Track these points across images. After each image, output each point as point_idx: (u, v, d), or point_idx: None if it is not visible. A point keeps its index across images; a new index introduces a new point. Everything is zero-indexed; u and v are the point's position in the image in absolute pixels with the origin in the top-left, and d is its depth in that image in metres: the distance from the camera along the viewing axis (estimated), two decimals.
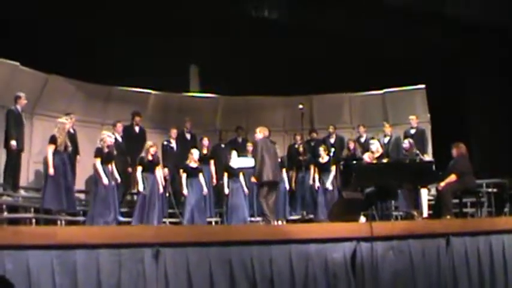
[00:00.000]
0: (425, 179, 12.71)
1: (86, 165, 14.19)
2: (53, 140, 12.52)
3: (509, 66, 16.27)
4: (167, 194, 14.47)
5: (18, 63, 14.37)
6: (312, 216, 15.54)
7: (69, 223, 13.00)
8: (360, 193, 12.52)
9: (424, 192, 12.82)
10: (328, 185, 15.45)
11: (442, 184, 12.27)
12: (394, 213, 14.50)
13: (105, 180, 12.95)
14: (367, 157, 14.06)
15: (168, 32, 16.10)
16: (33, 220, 12.47)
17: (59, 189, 12.35)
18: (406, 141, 14.65)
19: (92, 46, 15.47)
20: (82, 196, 14.76)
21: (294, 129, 16.91)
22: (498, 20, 15.67)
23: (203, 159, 15.27)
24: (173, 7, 15.38)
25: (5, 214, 12.11)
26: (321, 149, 15.79)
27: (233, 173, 15.17)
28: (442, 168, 12.69)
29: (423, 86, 17.48)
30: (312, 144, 16.86)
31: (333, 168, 15.54)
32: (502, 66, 16.55)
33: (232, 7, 15.79)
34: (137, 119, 15.78)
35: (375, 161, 13.72)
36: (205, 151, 15.62)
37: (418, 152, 14.16)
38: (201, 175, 14.83)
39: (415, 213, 13.08)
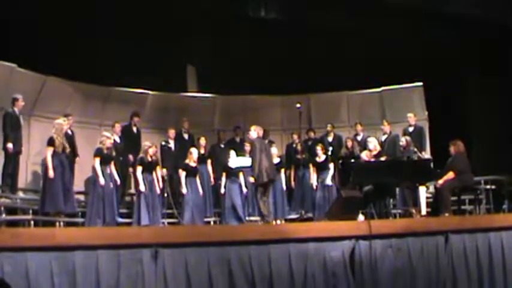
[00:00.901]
0: (423, 176, 12.73)
1: (85, 166, 14.19)
2: (51, 142, 12.52)
3: (507, 63, 16.28)
4: (165, 195, 14.47)
5: (15, 65, 14.35)
6: (310, 215, 15.54)
7: (68, 224, 12.99)
8: (358, 191, 12.51)
9: (422, 190, 12.79)
10: (328, 181, 15.44)
11: (440, 182, 12.28)
12: (393, 211, 14.50)
13: (102, 180, 12.99)
14: (364, 155, 14.07)
15: (165, 33, 16.11)
16: (32, 222, 12.48)
17: (57, 191, 12.35)
18: (403, 138, 14.64)
19: (90, 47, 15.47)
20: (81, 197, 14.74)
21: (291, 129, 16.95)
22: (498, 18, 15.67)
23: (201, 159, 15.25)
24: (171, 8, 15.37)
25: (4, 216, 12.10)
26: (318, 148, 15.79)
27: (232, 173, 15.17)
28: (440, 166, 12.70)
29: (421, 83, 17.46)
30: (310, 143, 16.85)
31: (331, 165, 15.53)
32: (500, 64, 16.54)
33: (230, 7, 15.78)
34: (136, 119, 15.78)
35: (372, 159, 13.73)
36: (202, 151, 15.60)
37: (415, 149, 14.16)
38: (198, 175, 14.84)
39: (413, 211, 13.12)
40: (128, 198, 15.37)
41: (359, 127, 16.77)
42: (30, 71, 14.87)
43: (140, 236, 8.22)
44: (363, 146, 15.14)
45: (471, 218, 12.59)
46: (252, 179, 13.89)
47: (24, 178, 14.47)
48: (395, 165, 13.28)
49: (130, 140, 15.29)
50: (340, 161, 14.92)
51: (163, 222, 14.10)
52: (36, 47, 14.62)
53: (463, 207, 13.91)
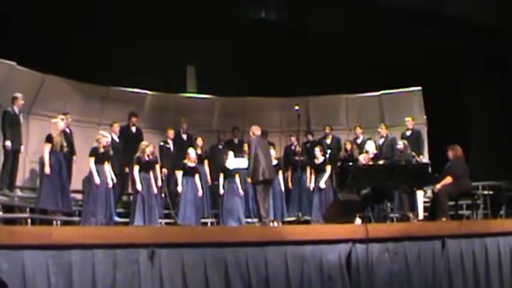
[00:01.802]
0: (421, 181, 12.75)
1: (83, 165, 14.17)
2: (49, 139, 12.52)
3: (508, 67, 16.28)
4: (163, 195, 14.46)
5: (15, 63, 14.36)
6: (307, 217, 15.55)
7: (65, 223, 12.99)
8: (355, 194, 12.53)
9: (420, 194, 12.83)
10: (322, 184, 15.44)
11: (438, 186, 12.27)
12: (390, 215, 14.51)
13: (97, 180, 13.01)
14: (362, 158, 14.07)
15: (165, 33, 16.10)
16: (29, 220, 12.48)
17: (55, 189, 12.36)
18: (400, 142, 14.66)
19: (89, 46, 15.47)
20: (78, 196, 14.73)
21: (290, 131, 16.96)
22: (498, 20, 15.67)
23: (198, 160, 15.25)
24: (171, 8, 15.37)
25: (1, 214, 12.10)
26: (317, 150, 15.80)
27: (229, 174, 15.17)
28: (438, 171, 12.70)
29: (420, 88, 17.49)
30: (308, 145, 16.85)
31: (328, 168, 15.53)
32: (500, 68, 16.55)
33: (230, 8, 15.77)
34: (134, 119, 15.78)
35: (370, 162, 13.73)
36: (199, 151, 15.59)
37: (413, 153, 14.17)
38: (197, 175, 14.84)
39: (410, 215, 13.12)
40: (125, 198, 15.34)
41: (359, 130, 16.74)
42: (29, 69, 14.87)
43: (137, 236, 8.21)
44: (362, 149, 15.13)
45: (468, 223, 12.57)
46: (249, 180, 13.90)
47: (22, 176, 14.47)
48: (393, 169, 13.27)
49: (128, 140, 15.26)
50: (339, 164, 14.93)
51: (160, 222, 14.08)
52: (36, 45, 14.61)
53: (460, 212, 13.97)
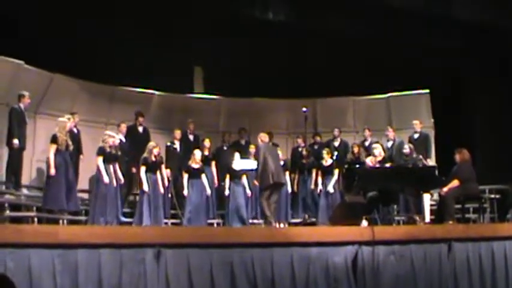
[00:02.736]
0: (428, 184, 12.73)
1: (89, 164, 14.16)
2: (54, 139, 12.50)
3: None
4: (169, 195, 14.46)
5: (22, 62, 14.37)
6: (313, 219, 15.54)
7: (71, 222, 12.99)
8: (362, 197, 12.50)
9: (426, 197, 12.80)
10: (330, 188, 15.43)
11: (445, 189, 12.26)
12: (396, 217, 14.49)
13: (106, 179, 12.95)
14: (369, 161, 14.04)
15: (172, 33, 16.11)
16: (35, 219, 12.49)
17: (61, 188, 12.32)
18: (406, 146, 14.64)
19: (97, 46, 15.48)
20: (85, 195, 14.73)
21: (297, 132, 16.92)
22: (503, 21, 15.64)
23: (205, 161, 15.26)
24: (178, 8, 15.37)
25: (7, 212, 12.11)
26: (324, 152, 15.78)
27: (235, 175, 15.15)
28: (445, 174, 12.68)
29: (427, 90, 17.46)
30: (315, 147, 16.84)
31: (336, 171, 15.52)
32: (510, 70, 16.52)
33: (237, 9, 15.77)
34: (140, 119, 15.80)
35: (377, 165, 13.71)
36: (206, 152, 15.60)
37: (420, 157, 14.15)
38: (203, 176, 14.85)
39: (417, 218, 13.09)
40: (132, 198, 15.35)
41: (367, 132, 16.68)
42: (37, 68, 14.89)
43: (143, 236, 8.23)
44: (370, 151, 15.10)
45: (475, 226, 12.55)
46: (256, 182, 13.90)
47: (28, 175, 14.50)
48: (400, 171, 13.27)
49: (135, 140, 15.28)
50: (346, 166, 14.91)
51: (166, 223, 14.08)
52: (43, 44, 14.62)
53: (467, 215, 13.94)
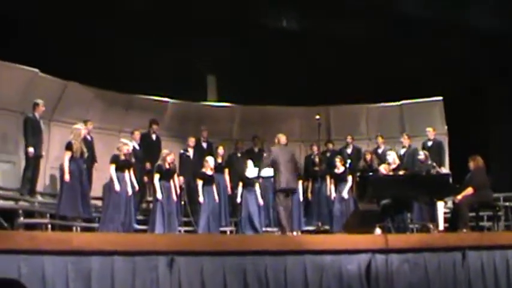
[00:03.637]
0: (441, 191, 12.68)
1: (103, 172, 14.18)
2: (68, 146, 12.57)
3: None
4: (182, 203, 14.46)
5: (37, 70, 14.44)
6: (327, 227, 15.52)
7: (85, 229, 13.03)
8: (375, 205, 12.47)
9: (440, 205, 12.75)
10: (345, 194, 15.40)
11: (459, 197, 12.23)
12: (410, 225, 14.43)
13: (117, 187, 12.95)
14: (383, 169, 14.01)
15: (186, 42, 16.12)
16: (49, 226, 12.53)
17: (75, 195, 12.38)
18: (421, 152, 14.61)
19: (111, 54, 15.51)
20: (98, 203, 14.76)
21: (310, 140, 16.87)
22: None
23: (218, 168, 15.27)
24: (192, 17, 15.40)
25: (22, 219, 12.14)
26: (337, 160, 15.77)
27: (248, 183, 15.15)
28: (459, 181, 12.64)
29: (441, 98, 17.42)
30: (328, 155, 16.82)
31: (350, 178, 15.50)
32: None
33: (251, 17, 15.79)
34: (154, 126, 15.81)
35: (391, 173, 13.68)
36: (220, 160, 15.62)
37: (434, 164, 14.10)
38: (215, 184, 14.85)
39: (431, 226, 13.05)
40: (145, 205, 15.36)
41: (380, 140, 16.64)
42: (51, 76, 14.95)
43: (156, 243, 8.24)
44: (383, 159, 15.07)
45: (489, 234, 12.51)
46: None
47: (42, 182, 14.53)
48: (413, 179, 13.22)
49: (149, 148, 15.29)
50: (358, 174, 14.88)
51: (179, 230, 14.09)
52: (58, 52, 14.67)
53: (481, 223, 13.88)
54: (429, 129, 16.16)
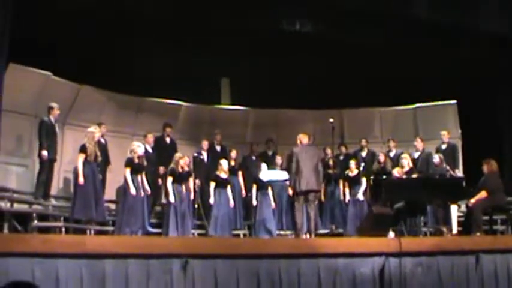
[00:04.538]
0: (455, 195, 12.65)
1: (117, 175, 14.23)
2: (83, 149, 12.62)
3: None
4: (196, 206, 14.47)
5: (50, 73, 14.51)
6: (341, 230, 15.51)
7: (98, 232, 13.06)
8: (389, 208, 12.46)
9: (454, 208, 12.71)
10: (360, 195, 15.41)
11: (473, 201, 12.20)
12: (424, 229, 14.40)
13: (133, 190, 12.96)
14: (396, 172, 14.00)
15: (200, 45, 16.13)
16: (63, 229, 12.57)
17: (88, 198, 12.42)
18: (436, 156, 14.60)
19: (124, 57, 15.55)
20: (112, 206, 14.81)
21: (324, 143, 16.83)
22: None
23: (231, 171, 15.29)
24: (206, 20, 15.39)
25: (35, 222, 12.19)
26: (352, 163, 15.77)
27: (262, 186, 15.15)
28: (473, 185, 12.61)
29: (455, 101, 17.39)
30: (341, 158, 16.80)
31: (364, 180, 15.49)
32: None
33: (264, 21, 15.77)
34: (168, 130, 15.86)
35: (404, 176, 13.66)
36: (233, 163, 15.64)
37: (448, 167, 14.07)
38: (229, 187, 14.86)
39: (444, 229, 13.03)
40: (158, 208, 15.39)
41: (392, 143, 16.62)
42: (64, 80, 15.00)
43: (170, 246, 8.24)
44: (396, 162, 15.05)
45: (503, 238, 12.47)
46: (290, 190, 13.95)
47: (56, 185, 14.60)
48: (427, 182, 13.22)
49: (163, 151, 15.33)
50: (372, 177, 14.87)
51: (193, 233, 14.10)
52: (71, 55, 14.72)
53: (494, 227, 13.84)
54: (443, 132, 16.13)
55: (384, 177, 14.15)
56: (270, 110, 18.31)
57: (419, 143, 16.10)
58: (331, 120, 14.58)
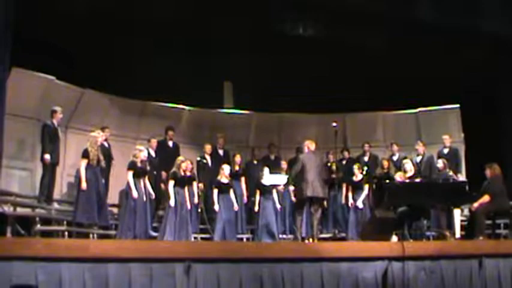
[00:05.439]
0: (458, 199, 12.64)
1: (120, 179, 14.23)
2: (85, 154, 12.63)
3: None
4: (199, 210, 14.46)
5: (53, 78, 14.51)
6: (343, 234, 15.50)
7: (101, 236, 13.07)
8: (392, 212, 12.46)
9: (457, 212, 12.71)
10: (359, 203, 15.39)
11: (475, 205, 12.20)
12: (427, 233, 14.39)
13: (135, 194, 12.97)
14: (398, 176, 13.99)
15: (202, 49, 16.14)
16: (66, 233, 12.58)
17: (91, 203, 12.43)
18: (440, 160, 14.59)
19: (127, 62, 15.55)
20: (115, 210, 14.80)
21: (327, 147, 16.83)
22: None
23: (234, 176, 15.29)
24: (208, 25, 15.40)
25: (38, 226, 12.20)
26: (355, 167, 15.75)
27: (265, 190, 15.14)
28: (476, 189, 12.60)
29: (457, 105, 17.37)
30: (344, 162, 16.80)
31: (366, 186, 15.49)
32: None
33: (268, 24, 15.77)
34: (170, 133, 15.85)
35: (407, 181, 13.65)
36: (237, 168, 15.62)
37: (450, 172, 14.07)
38: (231, 191, 14.85)
39: (447, 233, 13.01)
40: (161, 213, 15.38)
41: (395, 147, 16.61)
42: (68, 84, 15.02)
43: (173, 250, 8.25)
44: (398, 166, 15.05)
45: (506, 242, 12.46)
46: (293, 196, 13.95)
47: (59, 189, 14.59)
48: (430, 187, 13.21)
49: (165, 155, 15.31)
50: (375, 181, 14.86)
51: (195, 238, 14.09)
52: (74, 60, 14.74)
53: (497, 231, 13.81)
54: (445, 137, 16.13)
55: (387, 181, 14.13)
56: (273, 114, 18.32)
57: (420, 147, 16.10)
58: (334, 124, 14.58)
